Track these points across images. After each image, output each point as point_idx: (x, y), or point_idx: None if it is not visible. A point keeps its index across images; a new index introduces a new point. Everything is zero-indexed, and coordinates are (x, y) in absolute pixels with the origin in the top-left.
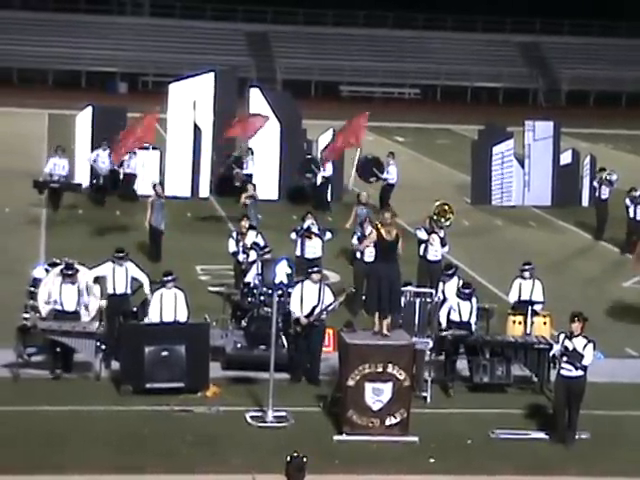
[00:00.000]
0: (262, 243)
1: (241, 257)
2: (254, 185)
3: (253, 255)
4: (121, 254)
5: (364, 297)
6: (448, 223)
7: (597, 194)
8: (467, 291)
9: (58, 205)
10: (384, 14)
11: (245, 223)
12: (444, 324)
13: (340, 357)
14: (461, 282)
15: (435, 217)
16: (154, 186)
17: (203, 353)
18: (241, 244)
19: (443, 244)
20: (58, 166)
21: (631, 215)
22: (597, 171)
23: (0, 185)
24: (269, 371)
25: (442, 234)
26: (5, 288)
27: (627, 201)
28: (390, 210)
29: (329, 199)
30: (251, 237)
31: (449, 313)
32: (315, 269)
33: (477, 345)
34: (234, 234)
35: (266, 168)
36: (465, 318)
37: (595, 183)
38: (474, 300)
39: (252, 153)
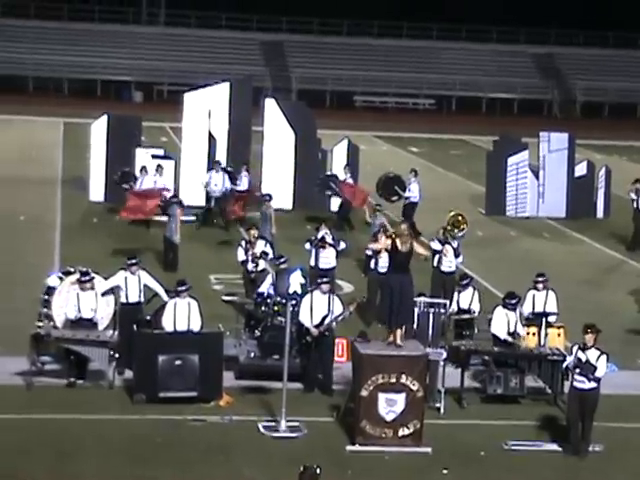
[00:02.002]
0: (271, 252)
1: (250, 266)
2: (270, 196)
3: (262, 264)
4: (133, 260)
5: (377, 307)
6: (461, 234)
7: (636, 205)
8: (513, 301)
9: (213, 220)
10: (399, 24)
11: (254, 232)
12: (504, 337)
13: (353, 367)
14: (506, 293)
15: (448, 228)
16: (172, 198)
17: (216, 362)
18: (250, 253)
19: (457, 255)
20: (218, 182)
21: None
22: (632, 182)
23: (16, 193)
24: (282, 381)
25: (456, 245)
26: (20, 296)
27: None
28: (407, 224)
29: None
30: (260, 246)
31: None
32: (324, 279)
33: (490, 356)
34: (243, 243)
35: (280, 178)
36: (512, 329)
37: (632, 194)
38: (518, 310)
39: (247, 170)
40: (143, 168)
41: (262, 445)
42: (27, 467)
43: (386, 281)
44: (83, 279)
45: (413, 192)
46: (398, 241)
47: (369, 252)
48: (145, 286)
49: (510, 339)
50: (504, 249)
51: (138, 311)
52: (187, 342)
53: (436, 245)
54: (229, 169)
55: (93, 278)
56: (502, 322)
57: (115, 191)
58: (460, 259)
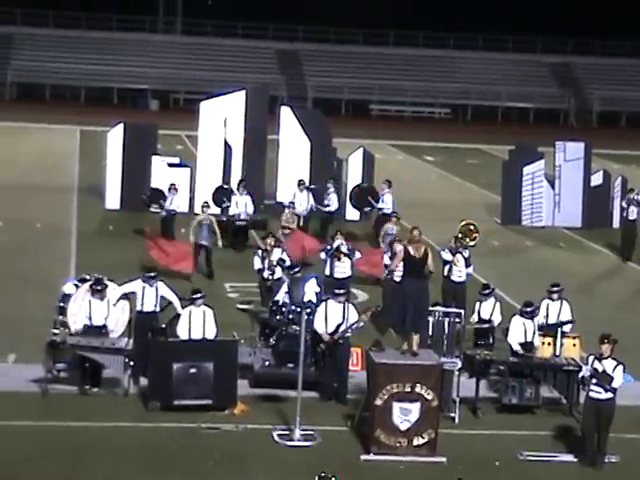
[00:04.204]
0: (288, 260)
1: (266, 274)
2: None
3: (278, 272)
4: (152, 274)
5: (392, 316)
6: (473, 243)
7: (625, 214)
8: (529, 309)
9: (245, 245)
10: (414, 33)
11: (270, 240)
12: (517, 347)
13: (368, 376)
14: (523, 302)
15: (460, 237)
16: (204, 205)
17: (231, 370)
18: (266, 261)
19: (467, 264)
20: (241, 204)
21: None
22: (627, 191)
23: (32, 200)
24: (297, 389)
25: (467, 254)
26: (36, 303)
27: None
28: (418, 228)
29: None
30: (276, 254)
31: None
32: (340, 289)
33: (505, 366)
34: (259, 252)
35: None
36: (529, 338)
37: (623, 203)
38: (536, 320)
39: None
40: (172, 186)
41: (276, 454)
42: (42, 474)
43: (401, 288)
44: (95, 287)
45: (386, 203)
46: (411, 247)
47: (387, 260)
48: (162, 297)
49: (521, 351)
50: (520, 259)
51: (153, 319)
52: (202, 350)
53: (447, 255)
54: (312, 187)
55: (106, 286)
56: (519, 331)
57: (131, 199)
58: (471, 269)
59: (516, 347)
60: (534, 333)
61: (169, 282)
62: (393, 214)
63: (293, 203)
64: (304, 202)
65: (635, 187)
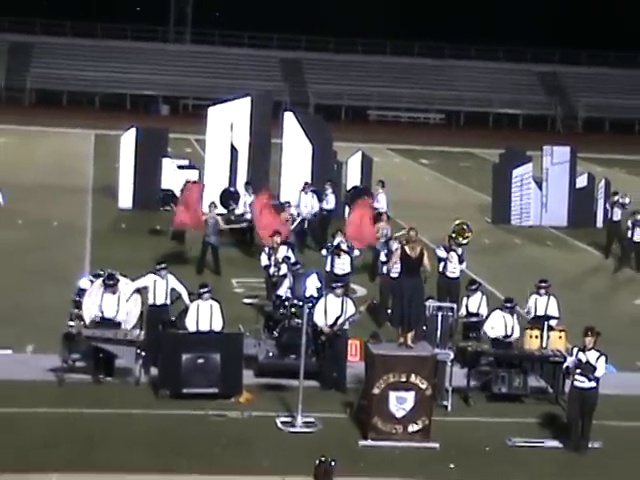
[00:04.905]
0: (293, 257)
1: (272, 270)
2: (289, 203)
3: (284, 268)
4: (163, 265)
5: (389, 310)
6: (466, 241)
7: (609, 216)
8: (509, 304)
9: (252, 244)
10: (411, 43)
11: (277, 238)
12: (493, 335)
13: (366, 366)
14: (504, 297)
15: (453, 236)
16: (210, 205)
17: (237, 361)
18: (273, 258)
19: (461, 261)
20: (247, 205)
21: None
22: (610, 194)
23: (49, 200)
24: (299, 379)
25: (460, 252)
26: (53, 297)
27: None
28: (415, 228)
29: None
30: (282, 252)
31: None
32: (339, 284)
33: (497, 358)
34: (266, 249)
35: (298, 187)
36: (509, 332)
37: (607, 205)
38: (515, 314)
39: (333, 188)
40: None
41: (279, 439)
42: (59, 457)
43: (397, 285)
44: (108, 282)
45: (380, 203)
46: (407, 247)
47: (383, 258)
48: (172, 289)
49: (499, 337)
50: (509, 256)
51: (164, 312)
52: (209, 342)
53: (442, 252)
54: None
55: (118, 281)
56: (498, 324)
57: (143, 199)
58: (464, 265)
59: (493, 335)
60: (513, 327)
61: (178, 277)
62: (384, 214)
63: (288, 202)
64: (309, 204)
65: (618, 189)
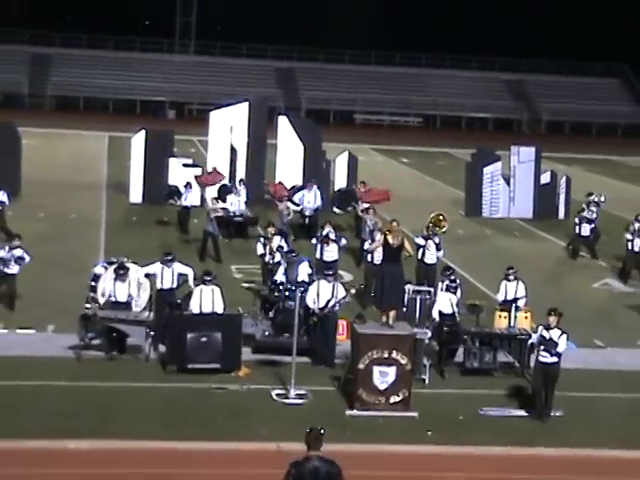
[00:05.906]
0: (286, 246)
1: (267, 258)
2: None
3: (278, 257)
4: (169, 257)
5: (373, 293)
6: (443, 230)
7: (586, 214)
8: (454, 285)
9: (246, 237)
10: (392, 54)
11: (272, 229)
12: (436, 317)
13: (352, 344)
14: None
15: (431, 226)
16: (212, 200)
17: (236, 339)
18: (268, 247)
19: (438, 249)
20: (240, 201)
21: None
22: (586, 195)
23: (67, 195)
24: (292, 355)
25: (437, 240)
26: (71, 282)
27: (627, 235)
28: (397, 220)
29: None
30: (276, 241)
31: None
32: (330, 271)
33: (469, 336)
34: (262, 239)
35: (291, 183)
36: (455, 309)
37: (584, 205)
38: (459, 293)
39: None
40: (188, 184)
41: (274, 410)
42: (76, 426)
43: (380, 270)
44: (118, 271)
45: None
46: (390, 236)
47: (367, 247)
48: (179, 274)
49: (441, 316)
50: (481, 245)
51: (171, 296)
52: (211, 322)
53: (420, 240)
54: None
55: (128, 269)
56: (445, 304)
57: (152, 195)
58: (441, 253)
59: (435, 314)
60: (457, 305)
61: (183, 262)
62: (370, 208)
63: (301, 202)
64: (312, 200)
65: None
